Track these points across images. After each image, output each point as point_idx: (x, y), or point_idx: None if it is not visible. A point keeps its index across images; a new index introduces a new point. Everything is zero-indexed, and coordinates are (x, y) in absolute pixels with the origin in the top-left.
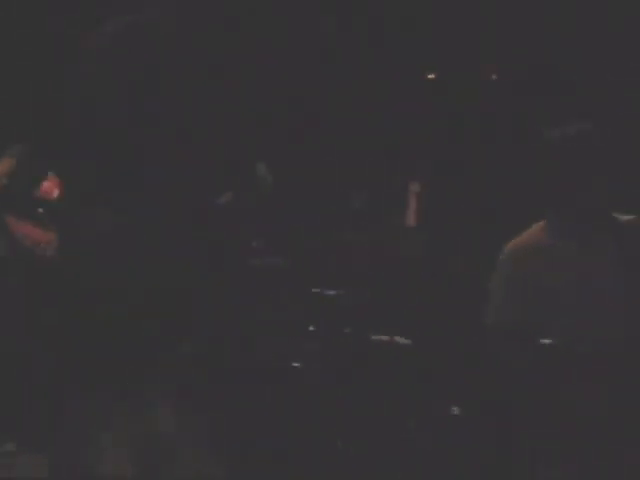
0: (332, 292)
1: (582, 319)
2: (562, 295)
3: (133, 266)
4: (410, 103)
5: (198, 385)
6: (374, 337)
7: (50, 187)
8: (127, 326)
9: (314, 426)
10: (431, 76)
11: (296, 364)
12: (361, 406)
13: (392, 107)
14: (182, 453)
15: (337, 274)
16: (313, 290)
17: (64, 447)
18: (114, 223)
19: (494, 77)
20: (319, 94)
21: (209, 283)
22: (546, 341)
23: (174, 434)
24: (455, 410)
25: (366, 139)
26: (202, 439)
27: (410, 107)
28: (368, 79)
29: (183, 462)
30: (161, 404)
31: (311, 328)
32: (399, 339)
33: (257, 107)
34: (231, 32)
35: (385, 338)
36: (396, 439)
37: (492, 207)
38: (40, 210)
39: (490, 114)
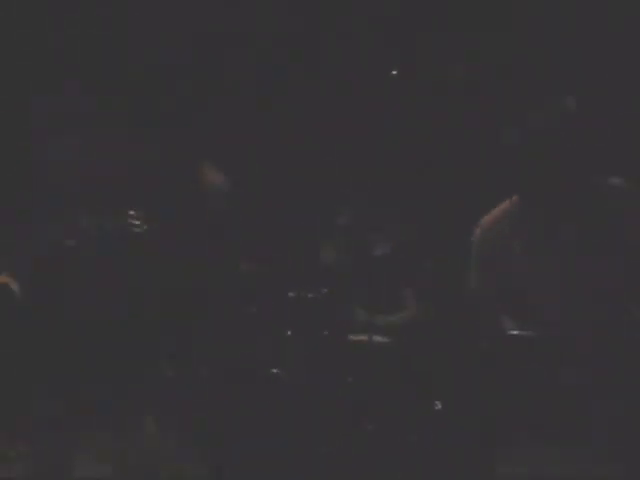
0: (310, 295)
1: (546, 291)
2: (528, 265)
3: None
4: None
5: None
6: (352, 337)
7: None
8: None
9: (296, 430)
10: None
11: (275, 370)
12: (343, 407)
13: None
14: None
15: (313, 276)
16: (290, 294)
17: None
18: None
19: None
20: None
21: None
22: (514, 332)
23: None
24: (438, 405)
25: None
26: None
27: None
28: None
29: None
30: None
31: (289, 332)
32: (377, 338)
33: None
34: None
35: (363, 338)
36: (380, 438)
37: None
38: None
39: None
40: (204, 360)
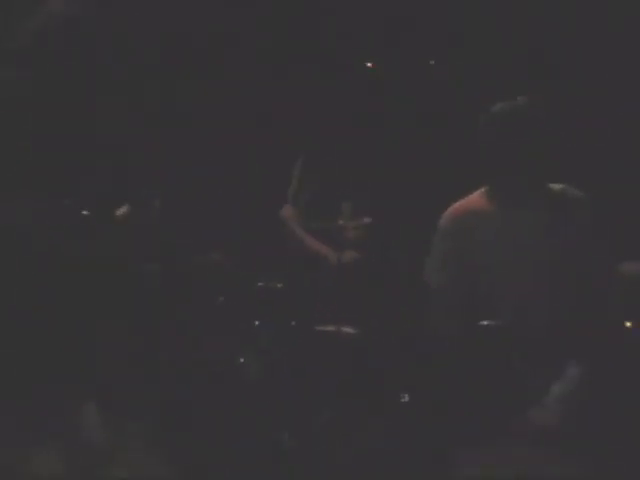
0: (277, 285)
1: (511, 279)
2: (494, 254)
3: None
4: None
5: (137, 387)
6: (320, 328)
7: None
8: (62, 326)
9: (262, 424)
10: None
11: (242, 360)
12: (312, 400)
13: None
14: (119, 456)
15: (279, 266)
16: (258, 284)
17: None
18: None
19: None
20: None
21: (152, 283)
22: (485, 322)
23: (108, 438)
24: (405, 397)
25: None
26: (144, 442)
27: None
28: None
29: (120, 464)
30: (93, 409)
31: (256, 323)
32: (345, 329)
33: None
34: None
35: (331, 329)
36: (348, 431)
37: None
38: None
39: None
40: (170, 353)
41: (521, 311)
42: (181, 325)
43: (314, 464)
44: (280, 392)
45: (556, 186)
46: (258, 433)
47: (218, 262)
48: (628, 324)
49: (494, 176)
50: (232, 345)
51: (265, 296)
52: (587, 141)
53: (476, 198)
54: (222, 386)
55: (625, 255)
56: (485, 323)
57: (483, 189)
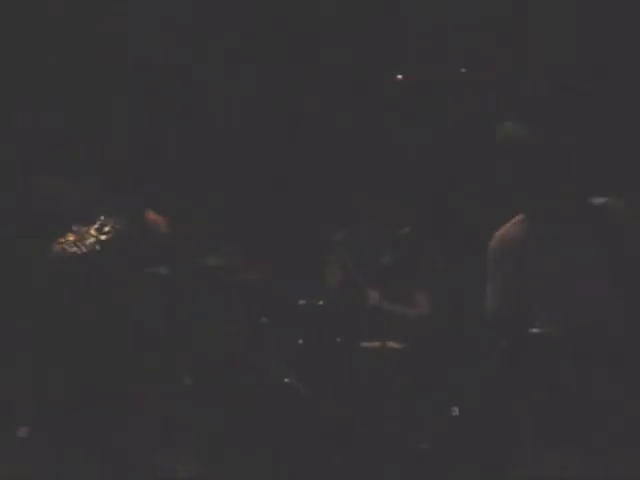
0: (320, 302)
1: (565, 303)
2: (545, 281)
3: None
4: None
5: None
6: (365, 344)
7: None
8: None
9: (310, 439)
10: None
11: (287, 380)
12: (358, 414)
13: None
14: None
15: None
16: (300, 302)
17: None
18: None
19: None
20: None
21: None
22: (535, 330)
23: None
24: (455, 411)
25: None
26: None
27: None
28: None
29: None
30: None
31: (300, 341)
32: (391, 344)
33: None
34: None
35: (376, 344)
36: (395, 445)
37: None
38: None
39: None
40: (215, 371)
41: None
42: (227, 342)
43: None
44: (325, 407)
45: (596, 200)
46: (306, 449)
47: (260, 280)
48: None
49: (523, 208)
50: (277, 363)
51: (307, 313)
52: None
53: (517, 226)
54: (269, 403)
55: None
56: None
57: (520, 217)
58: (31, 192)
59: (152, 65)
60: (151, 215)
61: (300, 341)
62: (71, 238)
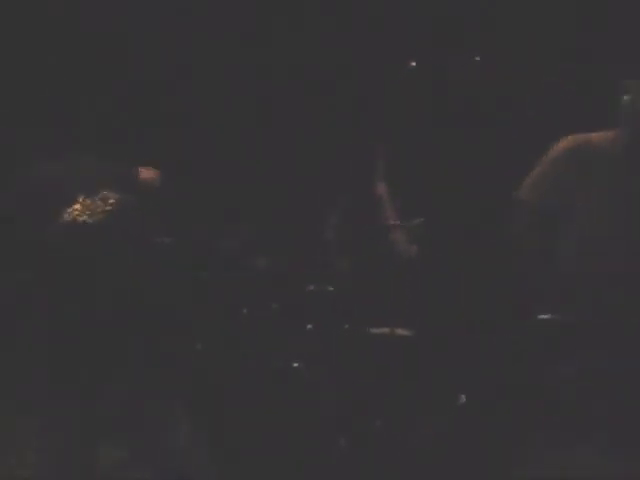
0: (329, 288)
1: (604, 227)
2: (597, 196)
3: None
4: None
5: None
6: (374, 331)
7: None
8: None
9: (317, 426)
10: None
11: (296, 364)
12: (366, 402)
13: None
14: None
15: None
16: (309, 288)
17: None
18: None
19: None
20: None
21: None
22: (544, 316)
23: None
24: (462, 399)
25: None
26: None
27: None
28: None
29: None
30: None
31: (309, 327)
32: (400, 331)
33: None
34: None
35: (385, 331)
36: (401, 433)
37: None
38: None
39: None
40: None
41: (601, 258)
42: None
43: (369, 465)
44: (333, 394)
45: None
46: (314, 435)
47: (268, 266)
48: None
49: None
50: (286, 349)
51: (316, 299)
52: None
53: (601, 135)
54: (276, 388)
55: None
56: (544, 317)
57: (613, 132)
58: (30, 177)
59: (152, 65)
60: (144, 172)
61: (309, 326)
62: (79, 207)
